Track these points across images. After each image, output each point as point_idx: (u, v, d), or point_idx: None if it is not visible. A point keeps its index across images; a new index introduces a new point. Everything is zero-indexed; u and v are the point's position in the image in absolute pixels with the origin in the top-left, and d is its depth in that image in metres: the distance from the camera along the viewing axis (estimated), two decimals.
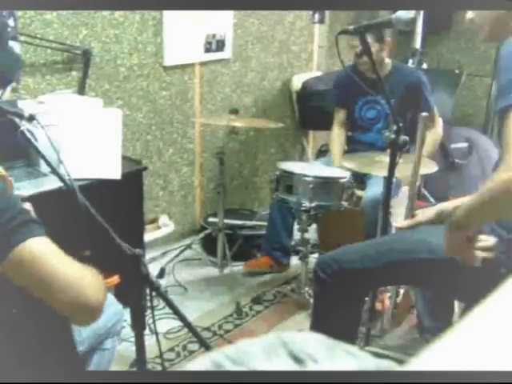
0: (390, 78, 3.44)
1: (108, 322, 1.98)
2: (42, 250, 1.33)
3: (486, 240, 1.81)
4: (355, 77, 3.30)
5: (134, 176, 3.05)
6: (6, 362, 1.45)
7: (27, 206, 1.79)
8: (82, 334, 1.86)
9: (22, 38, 3.00)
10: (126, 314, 1.76)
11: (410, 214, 2.44)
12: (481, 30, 1.86)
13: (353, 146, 3.73)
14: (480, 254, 1.79)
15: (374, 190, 3.17)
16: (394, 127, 2.34)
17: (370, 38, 3.32)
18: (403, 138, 2.33)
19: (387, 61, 3.55)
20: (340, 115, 3.80)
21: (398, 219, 3.15)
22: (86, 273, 1.38)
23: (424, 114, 2.49)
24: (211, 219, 4.08)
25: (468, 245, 1.78)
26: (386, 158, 2.49)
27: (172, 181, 4.07)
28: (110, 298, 2.08)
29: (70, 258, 1.37)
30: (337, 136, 3.80)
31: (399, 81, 3.47)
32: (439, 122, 3.61)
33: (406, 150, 2.52)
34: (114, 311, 2.02)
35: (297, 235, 3.48)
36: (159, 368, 2.56)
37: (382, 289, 3.04)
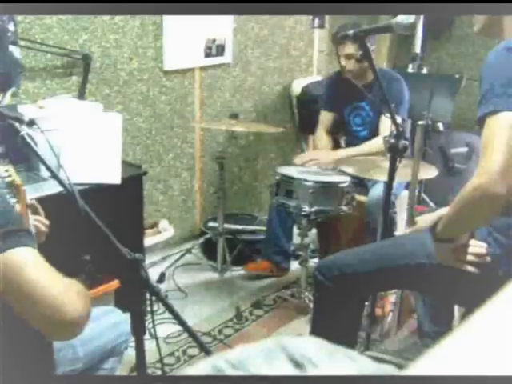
0: (374, 85, 3.43)
1: (112, 342, 1.95)
2: (25, 259, 1.31)
3: (478, 246, 1.83)
4: (342, 84, 3.31)
5: (133, 181, 3.05)
6: None
7: (40, 218, 1.79)
8: (79, 352, 1.83)
9: (22, 43, 3.00)
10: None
11: (411, 220, 2.45)
12: (477, 23, 1.88)
13: None
14: (472, 259, 1.80)
15: (378, 191, 3.16)
16: (394, 132, 2.34)
17: (352, 49, 3.35)
18: (403, 142, 2.33)
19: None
20: (326, 119, 3.82)
21: (399, 224, 3.15)
22: (69, 288, 1.35)
23: (421, 122, 2.50)
24: (211, 224, 4.08)
25: (457, 253, 1.80)
26: (385, 163, 2.49)
27: (172, 185, 4.07)
28: (120, 317, 2.04)
29: (55, 272, 1.35)
30: (321, 137, 3.82)
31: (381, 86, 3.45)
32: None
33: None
34: (121, 332, 1.98)
35: (297, 240, 3.47)
36: (159, 373, 2.56)
37: (383, 294, 3.04)
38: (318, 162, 3.50)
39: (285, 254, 3.75)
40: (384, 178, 2.47)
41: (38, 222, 1.79)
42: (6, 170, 1.68)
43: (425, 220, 2.29)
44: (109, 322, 1.98)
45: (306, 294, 3.32)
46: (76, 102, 3.14)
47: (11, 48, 2.86)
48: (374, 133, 3.55)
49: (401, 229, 3.04)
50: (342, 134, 3.87)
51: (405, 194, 3.23)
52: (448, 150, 4.47)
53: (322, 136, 3.83)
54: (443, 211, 2.26)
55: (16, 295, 1.31)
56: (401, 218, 3.10)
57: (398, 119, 3.37)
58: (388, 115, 2.37)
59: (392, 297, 3.03)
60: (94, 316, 1.95)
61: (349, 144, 3.79)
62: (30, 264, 1.31)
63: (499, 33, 1.79)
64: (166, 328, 2.89)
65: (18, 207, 1.72)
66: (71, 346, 1.79)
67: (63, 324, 1.33)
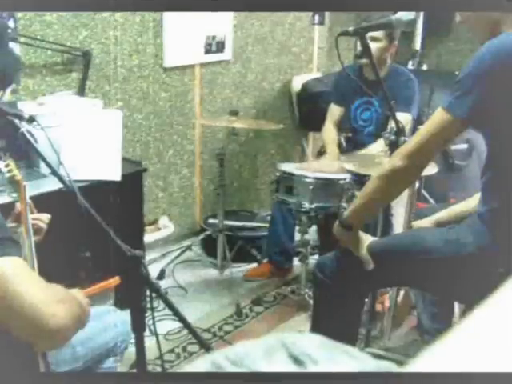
0: (387, 80, 3.41)
1: (111, 342, 1.94)
2: (6, 270, 1.29)
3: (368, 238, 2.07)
4: (355, 77, 3.29)
5: (134, 177, 3.05)
6: None
7: (38, 216, 1.78)
8: (78, 352, 1.83)
9: (22, 40, 3.00)
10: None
11: (408, 224, 2.47)
12: (466, 23, 1.88)
13: (350, 147, 3.73)
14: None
15: None
16: (394, 128, 2.34)
17: (380, 33, 3.33)
18: (403, 139, 2.33)
19: (388, 62, 3.54)
20: (335, 112, 3.79)
21: (398, 221, 3.15)
22: (51, 297, 1.34)
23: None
24: (211, 220, 4.08)
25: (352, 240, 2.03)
26: (385, 159, 2.49)
27: (172, 182, 4.07)
28: (119, 317, 2.04)
29: (37, 281, 1.34)
30: (329, 131, 3.76)
31: (394, 84, 3.43)
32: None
33: None
34: (120, 332, 1.97)
35: (297, 236, 3.47)
36: (159, 369, 2.56)
37: (382, 290, 3.04)
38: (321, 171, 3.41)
39: (286, 255, 3.71)
40: None
41: (35, 220, 1.78)
42: (7, 165, 1.68)
43: (422, 224, 2.31)
44: (108, 322, 1.98)
45: (306, 290, 3.32)
46: (76, 99, 3.14)
47: (11, 45, 2.85)
48: (379, 129, 3.53)
49: (398, 229, 3.03)
50: (344, 131, 3.84)
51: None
52: (448, 147, 4.47)
53: (330, 129, 3.77)
54: (438, 216, 2.28)
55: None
56: (399, 213, 3.10)
57: (408, 117, 3.39)
58: (399, 113, 2.38)
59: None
60: (93, 315, 1.95)
61: (352, 140, 3.77)
62: (10, 274, 1.29)
63: (489, 33, 1.78)
64: (166, 325, 2.89)
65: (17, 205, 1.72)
66: (70, 345, 1.78)
67: (43, 334, 1.31)
